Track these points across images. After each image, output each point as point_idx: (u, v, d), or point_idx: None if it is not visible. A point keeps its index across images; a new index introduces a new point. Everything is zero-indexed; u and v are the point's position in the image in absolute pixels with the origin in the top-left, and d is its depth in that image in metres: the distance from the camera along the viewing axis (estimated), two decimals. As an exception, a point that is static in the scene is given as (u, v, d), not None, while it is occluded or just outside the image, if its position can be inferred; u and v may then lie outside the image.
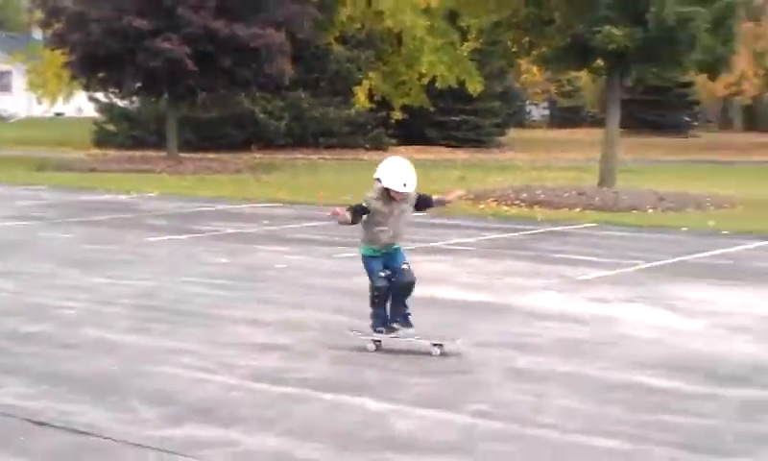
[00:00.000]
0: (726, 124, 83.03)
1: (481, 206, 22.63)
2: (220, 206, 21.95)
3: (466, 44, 28.75)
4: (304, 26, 37.48)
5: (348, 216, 8.44)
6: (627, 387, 7.64)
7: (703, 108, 78.78)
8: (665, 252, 15.49)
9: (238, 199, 23.72)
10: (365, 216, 8.45)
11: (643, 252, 15.50)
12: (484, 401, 7.19)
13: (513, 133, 59.16)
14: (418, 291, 11.53)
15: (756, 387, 7.65)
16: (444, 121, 49.95)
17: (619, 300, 11.38)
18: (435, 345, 8.39)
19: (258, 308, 10.50)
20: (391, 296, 8.59)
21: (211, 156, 38.77)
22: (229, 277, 12.61)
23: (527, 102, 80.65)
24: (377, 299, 8.56)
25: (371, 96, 38.75)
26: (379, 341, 8.58)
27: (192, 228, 17.71)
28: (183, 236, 16.51)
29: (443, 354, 8.37)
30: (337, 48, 43.48)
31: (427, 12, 31.23)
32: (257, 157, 40.29)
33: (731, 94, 69.64)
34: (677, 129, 68.31)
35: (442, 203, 9.03)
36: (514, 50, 27.01)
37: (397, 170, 8.38)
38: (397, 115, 39.26)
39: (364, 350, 8.64)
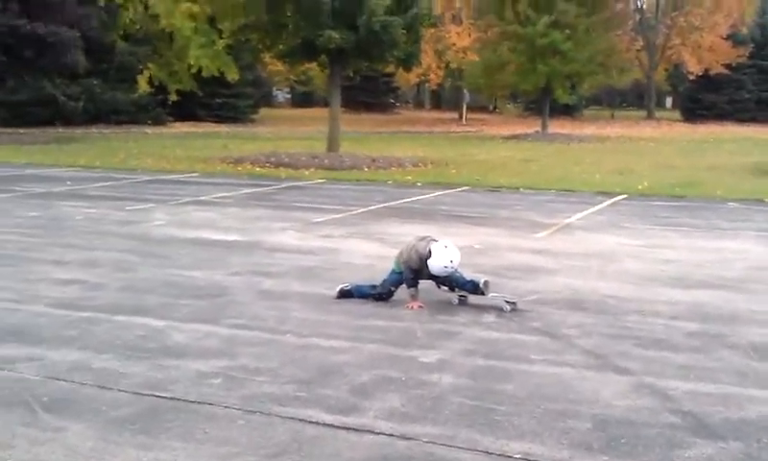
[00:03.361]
0: (419, 104, 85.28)
1: (239, 169, 22.36)
2: (30, 171, 20.77)
3: (221, 41, 28.22)
4: (93, 25, 36.94)
5: (414, 291, 7.63)
6: (347, 302, 7.76)
7: (403, 92, 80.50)
8: (376, 200, 15.79)
9: (46, 165, 22.52)
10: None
11: (360, 200, 15.74)
12: (240, 316, 7.15)
13: (263, 112, 58.73)
14: (187, 233, 11.46)
15: (440, 297, 7.89)
16: (210, 102, 49.51)
17: (342, 236, 11.53)
18: (507, 302, 7.54)
19: (61, 251, 10.02)
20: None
21: (22, 130, 36.71)
22: (38, 226, 11.97)
23: (274, 87, 80.00)
24: (378, 299, 7.71)
25: (150, 83, 37.43)
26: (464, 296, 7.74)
27: (7, 188, 16.68)
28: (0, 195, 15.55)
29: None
30: (121, 44, 42.31)
31: (192, 16, 30.41)
32: (60, 131, 38.40)
33: (421, 82, 71.66)
34: (384, 108, 69.55)
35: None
36: (259, 47, 26.79)
37: (443, 256, 7.44)
38: (173, 97, 38.20)
39: (144, 281, 8.44)
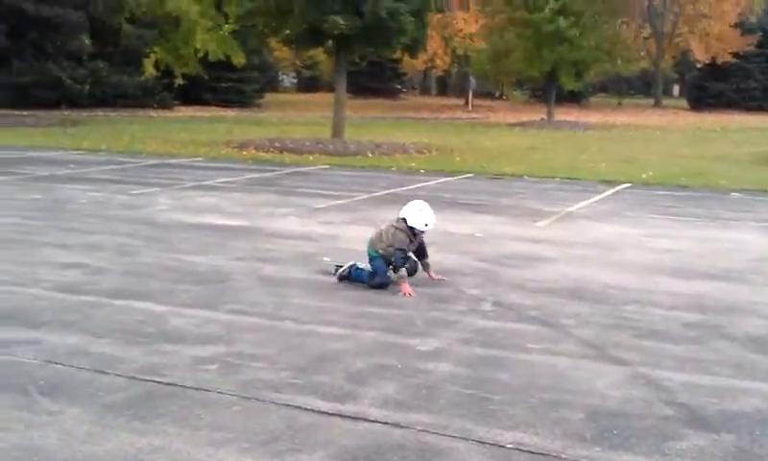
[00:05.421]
0: (425, 90, 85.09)
1: (243, 153, 22.37)
2: (33, 154, 20.77)
3: (226, 26, 28.26)
4: (98, 8, 36.83)
5: (404, 272, 7.73)
6: (347, 288, 7.80)
7: (409, 77, 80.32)
8: (379, 186, 15.80)
9: (49, 147, 22.52)
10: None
11: (364, 186, 15.75)
12: (240, 302, 7.16)
13: (268, 96, 58.67)
14: (190, 218, 11.48)
15: (440, 285, 7.93)
16: (216, 86, 49.49)
17: (344, 222, 11.54)
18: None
19: (63, 235, 10.04)
20: None
21: (26, 112, 36.69)
22: (40, 209, 11.99)
23: (279, 72, 79.85)
24: (377, 287, 7.71)
25: (157, 66, 37.48)
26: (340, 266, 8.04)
27: (9, 171, 16.70)
28: (1, 178, 15.53)
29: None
30: (127, 27, 42.25)
31: (199, 0, 30.42)
32: (65, 114, 38.38)
33: (427, 68, 71.54)
34: (390, 93, 69.42)
35: (426, 270, 8.03)
36: (264, 32, 26.79)
37: (421, 213, 7.85)
38: (179, 81, 38.33)
39: (146, 265, 8.47)
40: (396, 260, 7.68)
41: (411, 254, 7.92)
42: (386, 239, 7.77)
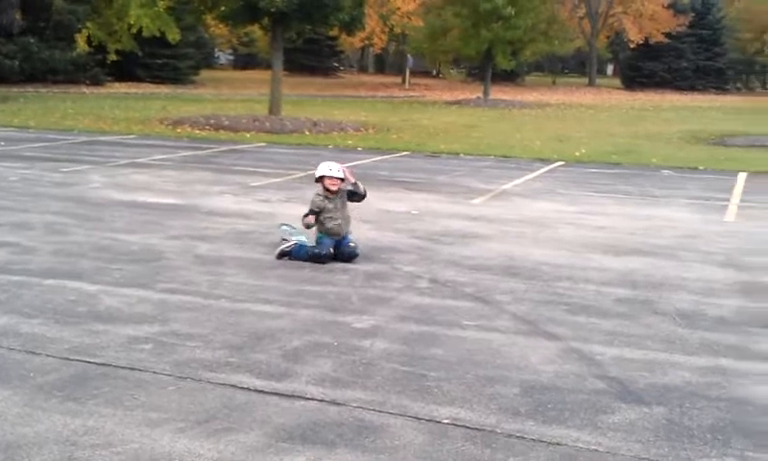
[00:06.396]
0: (362, 68, 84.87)
1: (178, 131, 22.06)
2: (-39, 131, 20.21)
3: (162, 2, 27.75)
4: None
5: (312, 219, 7.97)
6: (280, 265, 7.75)
7: (346, 56, 79.95)
8: (315, 164, 15.47)
9: (-23, 124, 21.91)
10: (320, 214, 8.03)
11: (301, 164, 15.64)
12: (174, 281, 7.08)
13: (204, 73, 57.80)
14: (123, 196, 11.30)
15: (376, 262, 7.94)
16: (150, 63, 48.58)
17: (280, 200, 11.46)
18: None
19: (-8, 214, 9.83)
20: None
21: (-46, 89, 35.66)
22: (-32, 188, 11.71)
23: (216, 49, 78.79)
24: (315, 259, 7.85)
25: (89, 42, 36.61)
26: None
27: (-64, 148, 16.25)
28: (-72, 156, 15.09)
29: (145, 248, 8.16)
30: (59, 2, 41.26)
31: (134, -25, 29.76)
32: (-6, 90, 37.37)
33: (365, 46, 71.30)
34: (327, 71, 68.99)
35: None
36: (200, 8, 26.39)
37: (325, 164, 8.30)
38: (112, 57, 37.52)
39: (77, 244, 8.31)
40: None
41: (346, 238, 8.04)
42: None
